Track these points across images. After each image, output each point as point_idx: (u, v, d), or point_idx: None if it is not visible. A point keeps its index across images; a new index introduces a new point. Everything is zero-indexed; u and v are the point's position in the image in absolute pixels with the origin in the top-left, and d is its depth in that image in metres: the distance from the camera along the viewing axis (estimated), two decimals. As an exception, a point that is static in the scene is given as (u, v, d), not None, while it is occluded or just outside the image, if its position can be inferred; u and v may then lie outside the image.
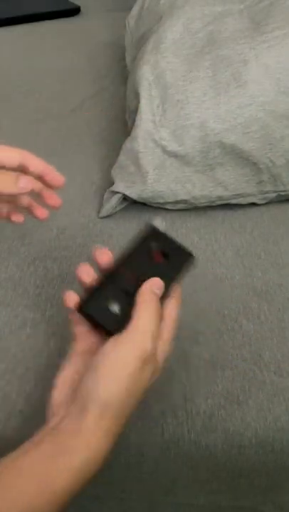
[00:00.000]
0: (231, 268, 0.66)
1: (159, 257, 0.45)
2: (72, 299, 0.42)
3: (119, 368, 0.38)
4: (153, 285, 0.42)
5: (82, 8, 1.54)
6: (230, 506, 0.57)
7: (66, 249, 0.68)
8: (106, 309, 0.41)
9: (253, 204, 0.76)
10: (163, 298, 0.43)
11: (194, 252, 0.68)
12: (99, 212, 0.74)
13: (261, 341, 0.56)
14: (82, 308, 0.42)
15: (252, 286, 0.63)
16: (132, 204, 0.75)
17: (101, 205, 0.75)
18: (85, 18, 1.51)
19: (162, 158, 0.72)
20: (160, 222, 0.47)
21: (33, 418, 0.50)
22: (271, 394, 0.51)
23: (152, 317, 0.40)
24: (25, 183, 0.44)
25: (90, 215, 0.74)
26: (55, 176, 0.49)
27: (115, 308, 0.41)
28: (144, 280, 0.42)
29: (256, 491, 0.54)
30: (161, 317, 0.42)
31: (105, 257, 0.45)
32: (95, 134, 0.94)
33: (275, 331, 0.58)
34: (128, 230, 0.71)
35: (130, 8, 1.11)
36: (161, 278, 0.43)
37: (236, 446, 0.49)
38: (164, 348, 0.42)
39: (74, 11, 1.53)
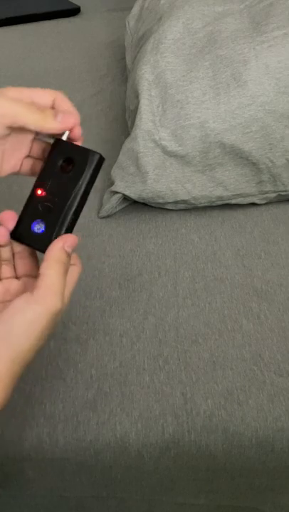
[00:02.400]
0: (231, 268, 0.66)
1: (67, 166, 0.45)
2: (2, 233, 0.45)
3: (31, 327, 0.41)
4: (65, 243, 0.44)
5: (82, 8, 1.55)
6: (230, 506, 0.57)
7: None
8: (32, 231, 0.45)
9: (253, 204, 0.76)
10: (82, 199, 0.45)
11: (193, 251, 0.68)
12: (99, 212, 0.74)
13: (261, 341, 0.56)
14: (12, 235, 0.45)
15: (252, 286, 0.63)
16: (132, 204, 0.75)
17: (101, 205, 0.75)
18: (85, 18, 1.51)
19: (162, 158, 0.72)
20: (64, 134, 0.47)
21: (34, 418, 0.50)
22: (271, 394, 0.51)
23: (61, 277, 0.42)
24: (65, 119, 0.43)
25: (90, 215, 0.74)
26: (79, 132, 0.47)
27: (41, 226, 0.45)
28: (58, 193, 0.45)
29: (256, 491, 0.54)
30: (73, 263, 0.45)
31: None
32: (95, 134, 0.94)
33: (275, 330, 0.58)
34: (128, 230, 0.71)
35: (130, 8, 1.11)
36: (73, 185, 0.45)
37: (236, 446, 0.49)
38: (70, 289, 0.45)
39: (74, 11, 1.53)
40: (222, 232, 0.72)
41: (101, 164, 0.46)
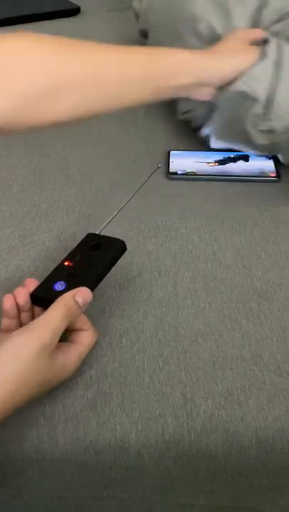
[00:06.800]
0: (231, 268, 0.66)
1: (95, 248, 0.55)
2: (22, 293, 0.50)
3: (17, 351, 0.42)
4: (77, 293, 0.47)
5: (82, 8, 1.55)
6: (230, 506, 0.57)
7: (66, 250, 0.67)
8: (53, 289, 0.50)
9: (253, 204, 0.76)
10: (105, 270, 0.52)
11: (194, 251, 0.68)
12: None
13: (261, 341, 0.56)
14: (33, 296, 0.50)
15: (252, 286, 0.63)
16: (131, 206, 0.75)
17: (101, 205, 0.75)
18: (85, 18, 1.51)
19: None
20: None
21: (33, 418, 0.50)
22: (271, 394, 0.51)
23: (60, 317, 0.44)
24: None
25: (90, 215, 0.74)
26: None
27: (62, 285, 0.50)
28: (84, 264, 0.52)
29: (256, 491, 0.54)
30: (87, 328, 0.49)
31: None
32: (95, 134, 0.94)
33: (275, 330, 0.58)
34: (128, 230, 0.71)
35: (130, 8, 1.11)
36: (98, 261, 0.53)
37: (236, 446, 0.49)
38: (80, 353, 0.48)
39: (74, 11, 1.53)
40: (222, 232, 0.72)
41: (124, 249, 0.55)
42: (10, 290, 0.63)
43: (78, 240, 0.69)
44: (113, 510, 0.57)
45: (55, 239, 0.70)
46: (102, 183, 0.81)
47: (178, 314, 0.59)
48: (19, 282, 0.63)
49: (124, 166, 0.85)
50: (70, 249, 0.67)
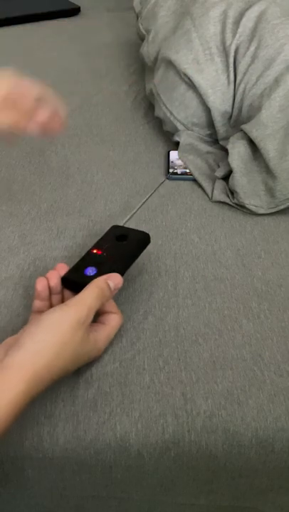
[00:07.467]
0: (231, 268, 0.66)
1: (121, 239, 0.58)
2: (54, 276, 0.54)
3: (56, 322, 0.45)
4: (110, 278, 0.51)
5: (82, 8, 1.55)
6: (230, 506, 0.57)
7: (66, 249, 0.68)
8: (84, 274, 0.53)
9: (253, 204, 0.76)
10: (131, 259, 0.56)
11: (193, 251, 0.68)
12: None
13: (261, 341, 0.57)
14: (64, 279, 0.54)
15: (252, 286, 0.63)
16: (131, 207, 0.75)
17: (101, 204, 0.75)
18: (85, 18, 1.51)
19: None
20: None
21: (34, 417, 0.50)
22: (271, 394, 0.52)
23: (94, 297, 0.48)
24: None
25: (90, 214, 0.74)
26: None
27: (93, 270, 0.53)
28: (113, 253, 0.56)
29: (256, 491, 0.54)
30: (115, 311, 0.53)
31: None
32: (95, 135, 0.94)
33: (275, 330, 0.58)
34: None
35: (130, 8, 1.11)
36: (123, 251, 0.56)
37: (236, 446, 0.49)
38: (109, 333, 0.52)
39: (74, 11, 1.53)
40: (222, 232, 0.72)
41: (148, 241, 0.59)
42: (11, 289, 0.63)
43: (78, 240, 0.69)
44: (113, 510, 0.57)
45: (55, 239, 0.70)
46: (102, 183, 0.81)
47: (178, 314, 0.59)
48: (19, 281, 0.63)
49: (124, 166, 0.85)
50: (70, 249, 0.68)
